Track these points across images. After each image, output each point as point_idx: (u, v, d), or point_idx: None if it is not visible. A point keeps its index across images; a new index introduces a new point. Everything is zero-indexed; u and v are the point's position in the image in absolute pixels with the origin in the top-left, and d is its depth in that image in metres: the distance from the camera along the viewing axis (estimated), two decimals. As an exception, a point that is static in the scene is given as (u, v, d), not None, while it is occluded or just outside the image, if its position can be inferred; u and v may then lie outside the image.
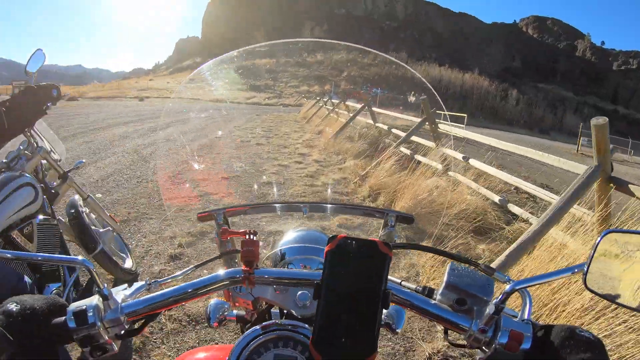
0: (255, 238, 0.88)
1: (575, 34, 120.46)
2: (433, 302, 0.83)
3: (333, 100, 21.67)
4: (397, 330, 0.93)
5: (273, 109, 30.89)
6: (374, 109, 13.89)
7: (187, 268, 0.95)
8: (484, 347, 0.79)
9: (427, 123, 8.34)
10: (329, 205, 1.31)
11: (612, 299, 0.83)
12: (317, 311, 0.73)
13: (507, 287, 0.78)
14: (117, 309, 0.77)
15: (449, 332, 0.83)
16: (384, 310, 0.80)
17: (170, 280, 0.90)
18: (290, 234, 1.22)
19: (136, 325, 0.82)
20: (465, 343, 0.81)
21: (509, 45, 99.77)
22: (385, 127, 11.42)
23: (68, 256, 0.82)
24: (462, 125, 25.31)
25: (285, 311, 0.94)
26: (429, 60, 72.57)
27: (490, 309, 0.77)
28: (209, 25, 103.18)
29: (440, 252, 1.04)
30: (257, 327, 0.82)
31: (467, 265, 0.91)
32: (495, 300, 0.77)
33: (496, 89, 68.92)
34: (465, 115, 29.24)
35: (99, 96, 43.76)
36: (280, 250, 1.14)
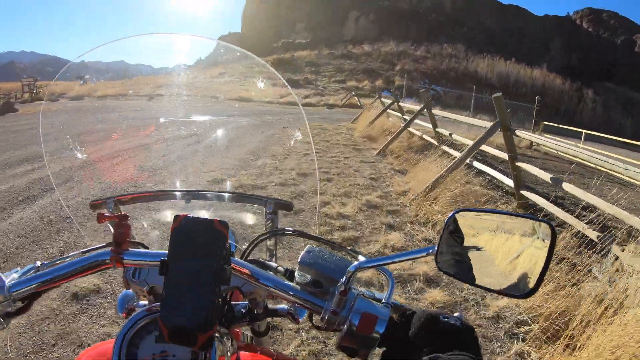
0: (126, 222, 0.89)
1: (633, 27, 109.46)
2: (291, 284, 0.87)
3: (383, 99, 17.76)
4: (299, 320, 1.01)
5: (313, 112, 23.13)
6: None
7: (75, 252, 0.98)
8: (340, 328, 0.80)
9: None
10: (210, 194, 1.36)
11: (463, 278, 0.85)
12: (164, 287, 0.75)
13: (351, 266, 0.81)
14: (4, 287, 0.81)
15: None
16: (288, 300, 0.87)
17: (59, 261, 0.92)
18: None
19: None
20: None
21: (564, 40, 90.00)
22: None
23: None
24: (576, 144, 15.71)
25: None
26: (490, 54, 62.67)
27: (339, 290, 0.80)
28: (249, 20, 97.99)
29: (306, 236, 1.09)
30: (143, 309, 0.84)
31: (331, 248, 1.00)
32: (342, 280, 0.80)
33: (570, 88, 58.86)
34: (583, 131, 18.74)
35: (106, 95, 36.30)
36: None
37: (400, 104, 14.45)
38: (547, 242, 0.80)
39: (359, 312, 0.78)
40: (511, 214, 0.88)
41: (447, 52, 62.38)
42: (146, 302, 1.01)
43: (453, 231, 0.86)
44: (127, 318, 0.91)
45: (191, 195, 1.32)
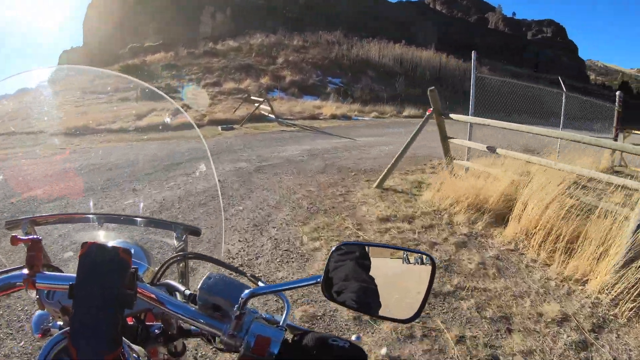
0: (39, 245, 0.90)
1: (484, 7, 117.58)
2: (193, 307, 0.88)
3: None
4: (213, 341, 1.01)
5: (210, 145, 11.86)
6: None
7: None
8: (239, 350, 0.84)
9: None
10: (123, 217, 1.35)
11: (348, 304, 0.87)
12: (73, 310, 0.77)
13: (243, 293, 0.84)
14: None
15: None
16: None
17: None
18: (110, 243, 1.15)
19: None
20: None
21: (423, 23, 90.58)
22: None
23: None
24: None
25: None
26: (365, 38, 56.82)
27: (234, 315, 0.83)
28: (92, 31, 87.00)
29: (210, 260, 1.09)
30: (60, 332, 0.85)
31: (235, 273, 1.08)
32: (235, 306, 0.83)
33: (466, 68, 54.60)
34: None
35: None
36: None
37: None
38: (429, 272, 0.88)
39: (254, 335, 0.81)
40: (396, 248, 0.95)
41: (325, 39, 55.23)
42: (61, 323, 1.01)
43: (338, 262, 0.90)
44: (42, 338, 0.99)
45: (104, 219, 1.31)
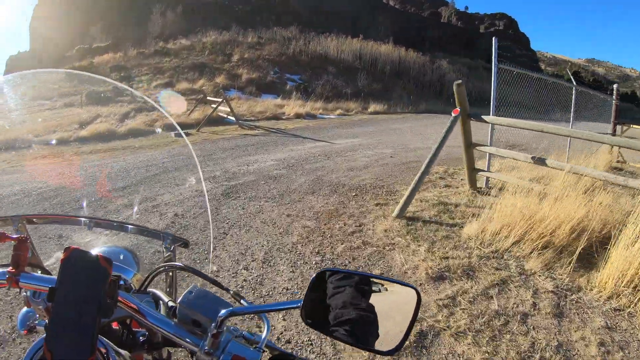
0: (25, 245, 0.88)
1: (437, 1, 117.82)
2: (172, 321, 0.85)
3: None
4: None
5: (160, 165, 8.34)
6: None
7: None
8: None
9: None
10: (114, 223, 1.33)
11: (328, 332, 0.84)
12: (51, 314, 0.77)
13: (221, 312, 0.80)
14: None
15: None
16: None
17: None
18: (98, 248, 1.22)
19: None
20: None
21: (376, 18, 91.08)
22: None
23: None
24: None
25: None
26: (319, 34, 56.32)
27: (211, 332, 0.80)
28: (38, 34, 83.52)
29: (197, 273, 1.04)
30: (42, 337, 0.83)
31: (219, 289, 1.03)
32: (213, 324, 0.80)
33: (426, 61, 54.62)
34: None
35: None
36: None
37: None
38: (413, 305, 0.85)
39: (230, 355, 0.79)
40: (380, 278, 0.89)
41: (281, 35, 54.27)
42: (47, 322, 0.94)
43: (320, 288, 0.87)
44: (27, 335, 0.99)
45: (94, 223, 1.30)
